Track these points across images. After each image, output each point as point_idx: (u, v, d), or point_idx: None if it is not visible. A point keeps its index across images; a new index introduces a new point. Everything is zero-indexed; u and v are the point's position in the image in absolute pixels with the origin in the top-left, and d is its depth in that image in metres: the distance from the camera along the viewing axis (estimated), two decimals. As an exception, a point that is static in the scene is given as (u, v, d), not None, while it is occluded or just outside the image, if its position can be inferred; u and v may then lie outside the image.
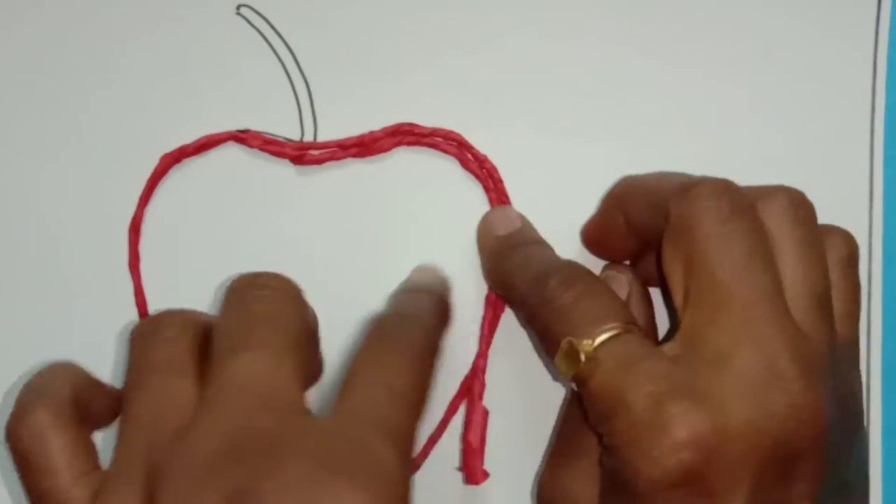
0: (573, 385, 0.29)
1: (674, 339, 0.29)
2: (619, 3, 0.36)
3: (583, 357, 0.28)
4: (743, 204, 0.29)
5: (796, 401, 0.27)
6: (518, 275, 0.32)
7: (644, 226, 0.31)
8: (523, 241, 0.34)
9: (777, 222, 0.29)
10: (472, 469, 0.34)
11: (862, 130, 0.36)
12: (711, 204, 0.28)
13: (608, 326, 0.28)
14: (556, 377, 0.35)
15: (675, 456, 0.26)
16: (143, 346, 0.27)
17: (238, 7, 0.36)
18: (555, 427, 0.35)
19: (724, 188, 0.29)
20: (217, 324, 0.27)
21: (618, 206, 0.33)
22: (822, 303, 0.29)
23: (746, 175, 0.31)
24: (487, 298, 0.35)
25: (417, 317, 0.30)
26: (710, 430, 0.26)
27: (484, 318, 0.35)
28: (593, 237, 0.35)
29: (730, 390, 0.27)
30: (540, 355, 0.35)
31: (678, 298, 0.29)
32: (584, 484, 0.30)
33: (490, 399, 0.35)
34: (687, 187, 0.29)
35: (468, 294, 0.35)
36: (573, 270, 0.31)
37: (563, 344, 0.28)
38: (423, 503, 0.33)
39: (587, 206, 0.35)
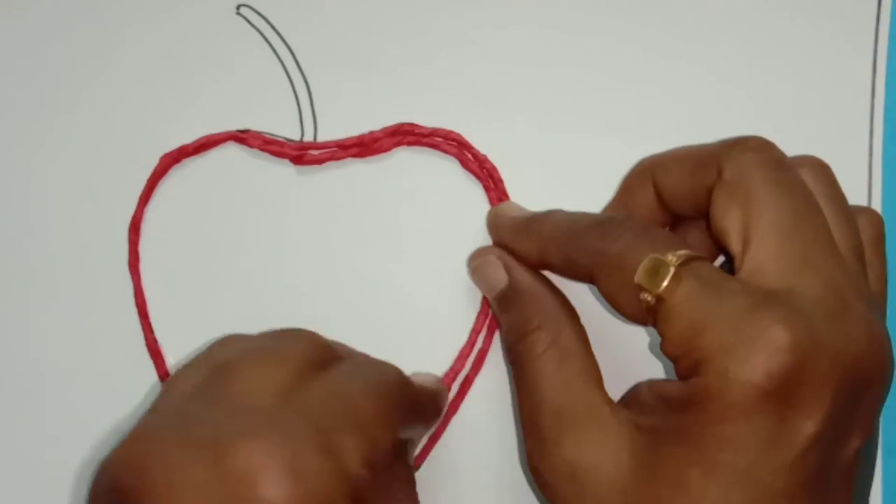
0: (647, 310, 0.29)
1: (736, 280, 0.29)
2: (620, 2, 0.36)
3: (671, 270, 0.28)
4: (788, 159, 0.30)
5: (871, 329, 0.27)
6: (561, 231, 0.32)
7: (681, 192, 0.32)
8: (548, 211, 0.34)
9: (812, 182, 0.30)
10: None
11: (862, 130, 0.36)
12: (765, 154, 0.30)
13: (683, 251, 0.29)
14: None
15: (777, 358, 0.26)
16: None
17: (238, 7, 0.36)
18: (531, 406, 0.32)
19: (770, 142, 0.30)
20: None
21: (646, 180, 0.33)
22: (860, 257, 0.30)
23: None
24: (485, 299, 0.35)
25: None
26: (807, 336, 0.26)
27: (479, 318, 0.35)
28: None
29: (812, 311, 0.27)
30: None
31: (737, 246, 0.29)
32: (599, 450, 0.29)
33: (493, 399, 0.35)
34: (737, 141, 0.30)
35: (467, 294, 0.35)
36: (628, 215, 0.32)
37: (647, 262, 0.28)
38: (423, 503, 0.33)
39: (587, 205, 0.35)
